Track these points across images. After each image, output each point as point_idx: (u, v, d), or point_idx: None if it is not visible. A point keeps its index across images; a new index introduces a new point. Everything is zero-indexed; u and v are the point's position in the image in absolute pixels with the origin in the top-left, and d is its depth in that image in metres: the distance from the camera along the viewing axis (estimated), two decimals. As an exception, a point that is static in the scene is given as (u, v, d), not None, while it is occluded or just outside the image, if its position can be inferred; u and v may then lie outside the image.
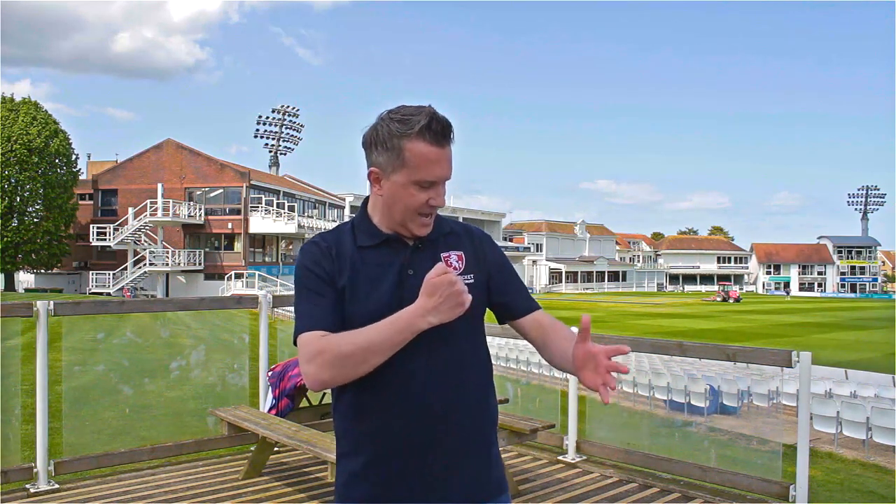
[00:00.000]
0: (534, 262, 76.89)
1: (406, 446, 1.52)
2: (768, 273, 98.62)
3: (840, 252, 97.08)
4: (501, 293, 1.67)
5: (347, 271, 1.55)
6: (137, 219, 40.85)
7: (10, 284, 42.05)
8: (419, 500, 1.53)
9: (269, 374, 4.79)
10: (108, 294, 39.46)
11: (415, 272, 1.55)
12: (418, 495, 1.53)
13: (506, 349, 16.68)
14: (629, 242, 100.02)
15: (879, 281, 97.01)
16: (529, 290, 1.85)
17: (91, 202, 45.96)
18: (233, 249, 44.08)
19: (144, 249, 41.04)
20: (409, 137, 1.50)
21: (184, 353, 15.00)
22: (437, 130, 1.51)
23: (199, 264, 42.85)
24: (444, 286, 1.43)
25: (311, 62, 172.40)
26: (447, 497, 1.54)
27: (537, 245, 79.15)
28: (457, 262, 1.61)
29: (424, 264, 1.55)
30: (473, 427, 1.58)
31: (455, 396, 1.55)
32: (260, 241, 46.09)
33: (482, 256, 1.65)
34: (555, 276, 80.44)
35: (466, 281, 1.58)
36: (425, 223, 1.57)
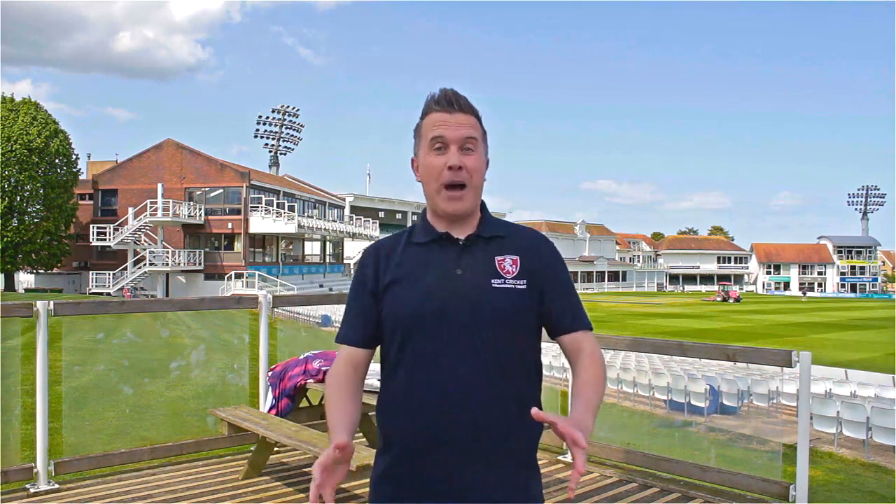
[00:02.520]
0: (534, 262, 76.62)
1: (433, 448, 1.52)
2: (768, 273, 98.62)
3: (840, 252, 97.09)
4: (549, 306, 1.62)
5: (394, 268, 1.59)
6: (137, 219, 40.84)
7: (10, 284, 42.03)
8: (442, 501, 1.52)
9: (269, 374, 4.79)
10: (108, 294, 39.45)
11: (463, 272, 1.56)
12: (441, 497, 1.52)
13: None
14: (629, 242, 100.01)
15: (879, 281, 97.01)
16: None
17: (91, 202, 45.96)
18: (233, 249, 44.07)
19: (144, 249, 41.03)
20: (426, 115, 1.61)
21: (184, 353, 14.99)
22: (443, 98, 1.59)
23: (199, 264, 42.84)
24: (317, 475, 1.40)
25: (313, 62, 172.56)
26: (470, 500, 1.52)
27: (537, 245, 78.90)
28: (511, 266, 1.58)
29: (474, 265, 1.57)
30: (508, 437, 1.55)
31: (491, 404, 1.52)
32: (260, 241, 46.09)
33: (538, 264, 1.62)
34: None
35: (518, 286, 1.57)
36: (451, 196, 1.56)
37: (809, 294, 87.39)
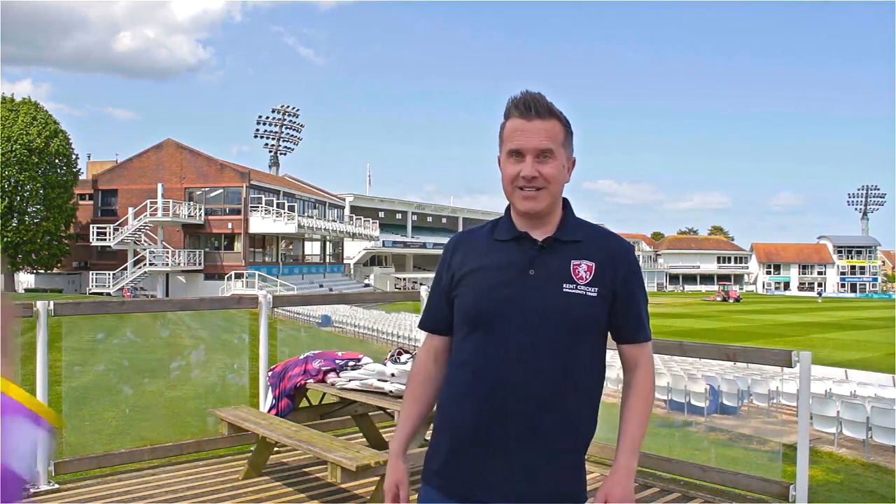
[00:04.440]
0: (534, 262, 76.50)
1: (479, 446, 1.57)
2: (768, 273, 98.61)
3: (840, 252, 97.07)
4: (616, 315, 1.66)
5: (473, 261, 1.64)
6: (137, 219, 40.82)
7: (10, 285, 41.98)
8: (480, 494, 1.57)
9: (269, 374, 4.79)
10: (108, 294, 39.42)
11: (536, 272, 1.58)
12: (484, 494, 1.56)
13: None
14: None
15: (879, 281, 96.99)
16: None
17: (91, 202, 45.93)
18: (233, 249, 44.05)
19: (144, 249, 41.00)
20: (506, 117, 1.64)
21: (184, 353, 14.99)
22: (522, 103, 1.60)
23: (199, 264, 42.82)
24: None
25: (313, 62, 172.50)
26: (510, 497, 1.56)
27: (537, 245, 78.79)
28: (585, 272, 1.60)
29: (549, 266, 1.59)
30: (560, 441, 1.58)
31: (546, 404, 1.55)
32: (260, 241, 46.07)
33: (613, 272, 1.63)
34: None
35: (589, 293, 1.59)
36: (526, 196, 1.59)
37: (826, 295, 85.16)
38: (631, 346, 1.70)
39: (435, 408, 1.74)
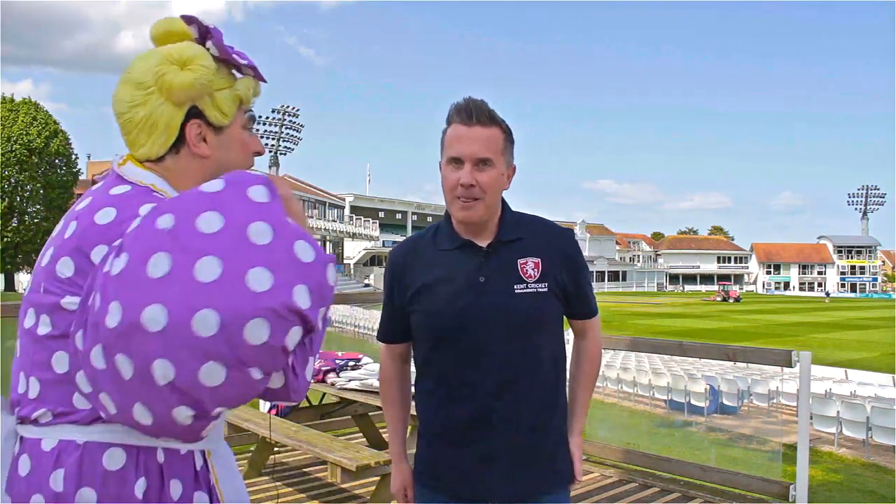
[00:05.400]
0: (534, 262, 76.55)
1: (463, 446, 1.60)
2: (768, 273, 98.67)
3: (840, 252, 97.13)
4: (566, 299, 1.67)
5: (424, 274, 1.63)
6: (137, 219, 40.77)
7: (10, 284, 42.00)
8: (466, 494, 1.62)
9: (269, 374, 4.78)
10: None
11: (486, 279, 1.59)
12: (454, 481, 1.62)
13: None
14: (629, 242, 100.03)
15: (879, 281, 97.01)
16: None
17: (91, 202, 45.89)
18: (233, 249, 43.99)
19: (144, 249, 40.95)
20: (448, 123, 1.61)
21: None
22: (464, 109, 1.57)
23: (199, 264, 42.76)
24: None
25: (314, 61, 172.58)
26: (498, 497, 1.60)
27: (537, 245, 78.81)
28: (533, 269, 1.60)
29: (497, 271, 1.59)
30: (534, 437, 1.62)
31: (519, 406, 1.59)
32: (260, 241, 46.02)
33: (558, 263, 1.63)
34: (555, 276, 80.00)
35: (540, 290, 1.59)
36: (463, 206, 1.57)
37: (833, 295, 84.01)
38: (577, 323, 1.76)
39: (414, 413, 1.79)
